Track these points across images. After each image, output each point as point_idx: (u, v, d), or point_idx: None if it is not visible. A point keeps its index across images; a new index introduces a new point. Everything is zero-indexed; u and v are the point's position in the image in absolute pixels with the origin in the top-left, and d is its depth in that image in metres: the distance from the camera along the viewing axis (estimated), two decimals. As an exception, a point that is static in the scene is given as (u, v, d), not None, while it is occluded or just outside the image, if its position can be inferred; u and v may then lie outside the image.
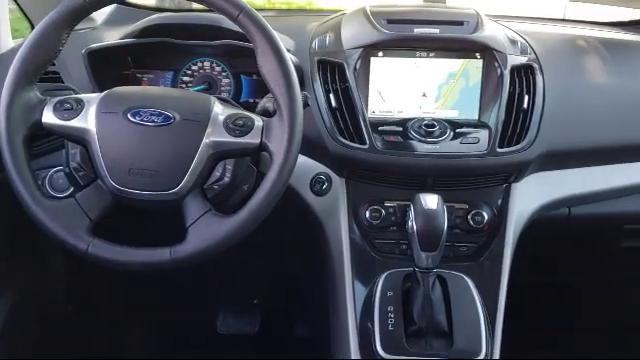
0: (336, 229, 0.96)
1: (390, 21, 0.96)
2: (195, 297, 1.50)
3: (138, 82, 1.04)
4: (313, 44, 1.00)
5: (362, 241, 0.95)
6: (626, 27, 1.38)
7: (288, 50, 0.78)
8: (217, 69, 1.04)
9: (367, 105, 0.94)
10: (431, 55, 0.95)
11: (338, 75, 0.94)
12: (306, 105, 0.78)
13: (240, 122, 0.74)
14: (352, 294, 0.92)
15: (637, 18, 1.41)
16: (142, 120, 0.73)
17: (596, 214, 1.04)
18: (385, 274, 0.91)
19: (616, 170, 1.02)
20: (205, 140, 0.73)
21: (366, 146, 0.90)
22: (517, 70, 0.94)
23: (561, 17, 1.42)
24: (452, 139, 0.91)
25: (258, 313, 1.55)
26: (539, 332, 1.41)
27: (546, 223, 1.00)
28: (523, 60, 0.96)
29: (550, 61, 0.99)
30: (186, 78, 1.04)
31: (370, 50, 0.94)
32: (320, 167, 0.95)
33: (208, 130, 0.73)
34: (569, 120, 0.97)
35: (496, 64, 0.93)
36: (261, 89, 0.93)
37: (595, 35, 1.21)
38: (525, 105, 0.92)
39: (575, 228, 1.06)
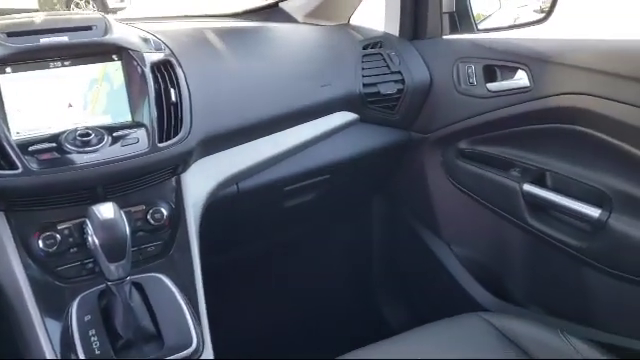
0: (6, 271, 0.85)
1: (10, 34, 0.87)
2: None
3: None
4: None
5: (42, 274, 0.86)
6: (241, 16, 1.54)
7: None
8: None
9: (8, 126, 0.84)
10: (67, 64, 0.90)
11: None
12: None
13: None
14: (45, 335, 0.83)
15: (247, 8, 1.59)
16: None
17: (261, 184, 1.15)
18: (77, 300, 0.85)
19: (267, 142, 1.14)
20: None
21: (19, 170, 0.81)
22: (157, 66, 0.96)
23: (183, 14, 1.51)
24: (112, 144, 0.88)
25: None
26: (240, 305, 1.51)
27: (221, 203, 1.07)
28: (160, 56, 0.98)
29: (186, 54, 1.04)
30: None
31: None
32: None
33: None
34: (217, 105, 1.04)
35: (135, 63, 0.93)
36: None
37: (219, 26, 1.32)
38: (173, 98, 0.95)
39: (246, 200, 1.16)
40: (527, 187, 1.17)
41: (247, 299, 1.55)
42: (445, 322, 1.07)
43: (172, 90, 0.96)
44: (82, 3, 8.43)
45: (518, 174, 1.21)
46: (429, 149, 1.40)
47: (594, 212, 1.06)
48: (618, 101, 0.99)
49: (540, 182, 1.17)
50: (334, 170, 1.30)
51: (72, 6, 8.35)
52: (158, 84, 0.95)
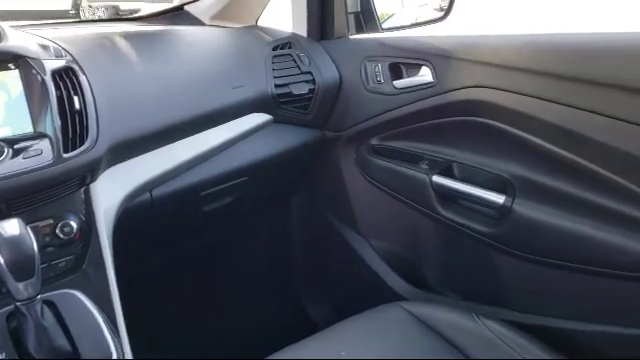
0: None
1: None
2: None
3: None
4: None
5: None
6: (145, 20, 1.51)
7: None
8: None
9: None
10: None
11: None
12: None
13: None
14: None
15: (152, 12, 1.56)
16: None
17: (175, 190, 1.13)
18: None
19: (181, 146, 1.12)
20: None
21: None
22: (58, 74, 0.92)
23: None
24: (13, 157, 0.83)
25: None
26: (163, 312, 1.48)
27: (135, 211, 1.04)
28: (61, 63, 0.94)
29: (89, 60, 1.00)
30: None
31: None
32: None
33: None
34: (125, 111, 1.01)
35: (34, 71, 0.89)
36: None
37: (123, 30, 1.28)
38: (77, 106, 0.91)
39: (161, 207, 1.13)
40: (436, 178, 1.22)
41: (169, 305, 1.52)
42: (365, 315, 1.10)
43: (75, 98, 0.92)
44: (100, 7, 7.87)
45: (427, 166, 1.26)
46: (343, 147, 1.43)
47: (499, 199, 1.13)
48: (514, 92, 1.05)
49: (448, 173, 1.23)
50: (251, 172, 1.30)
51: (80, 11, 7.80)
52: (60, 92, 0.90)
